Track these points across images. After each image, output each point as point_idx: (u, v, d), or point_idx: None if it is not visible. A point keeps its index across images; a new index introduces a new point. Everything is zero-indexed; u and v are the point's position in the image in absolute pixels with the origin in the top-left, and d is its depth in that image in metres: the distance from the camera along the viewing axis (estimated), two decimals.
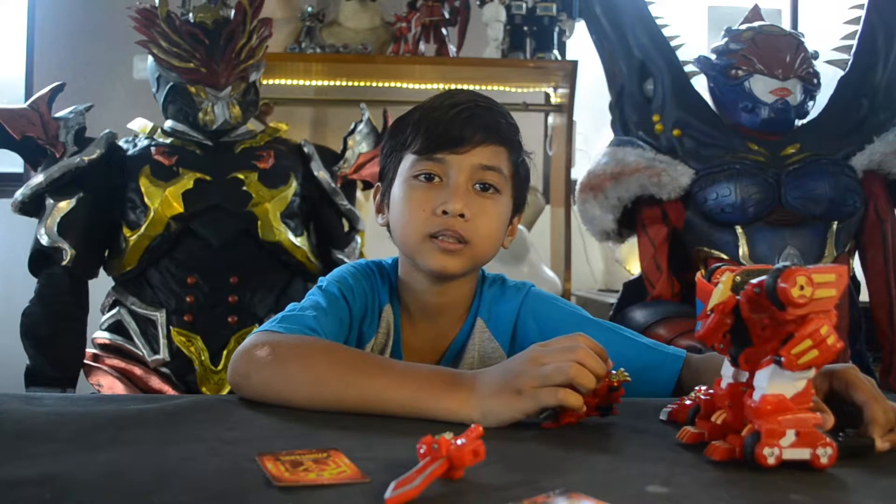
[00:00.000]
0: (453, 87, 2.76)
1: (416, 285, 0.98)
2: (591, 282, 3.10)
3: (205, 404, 0.81)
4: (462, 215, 0.91)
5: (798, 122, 1.97)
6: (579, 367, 0.71)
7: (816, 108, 2.00)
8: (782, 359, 0.60)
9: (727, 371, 0.67)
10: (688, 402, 0.74)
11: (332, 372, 0.80)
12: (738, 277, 0.64)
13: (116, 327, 1.82)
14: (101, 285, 1.89)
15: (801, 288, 0.59)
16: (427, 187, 0.93)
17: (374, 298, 1.01)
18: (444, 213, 0.91)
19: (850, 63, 2.03)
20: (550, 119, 2.96)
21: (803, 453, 0.61)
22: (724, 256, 1.87)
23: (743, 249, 1.85)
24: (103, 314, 1.86)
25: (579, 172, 2.19)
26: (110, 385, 1.74)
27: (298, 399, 0.79)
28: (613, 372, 0.76)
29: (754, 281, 0.62)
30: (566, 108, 2.70)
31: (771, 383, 0.62)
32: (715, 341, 0.65)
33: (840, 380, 0.72)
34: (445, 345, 1.00)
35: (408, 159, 0.95)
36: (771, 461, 0.60)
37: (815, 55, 1.97)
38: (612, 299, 2.27)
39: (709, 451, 0.64)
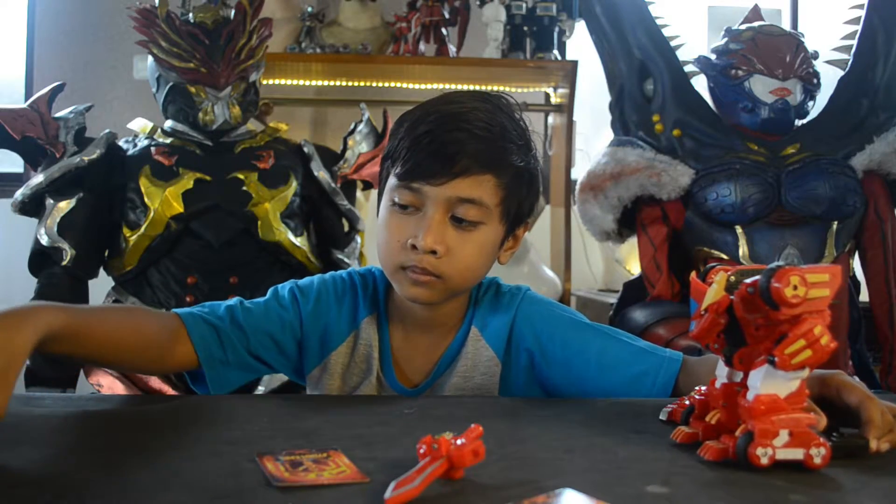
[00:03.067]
0: (453, 87, 2.77)
1: (405, 301, 0.95)
2: (591, 282, 3.10)
3: (205, 404, 0.81)
4: (434, 252, 0.86)
5: (798, 122, 1.97)
6: None
7: (816, 108, 2.00)
8: (776, 359, 0.60)
9: (721, 371, 0.67)
10: (688, 403, 0.74)
11: None
12: (732, 277, 0.64)
13: None
14: (101, 285, 1.89)
15: (795, 288, 0.59)
16: (401, 216, 0.89)
17: (349, 310, 0.99)
18: (415, 247, 0.87)
19: (850, 63, 2.03)
20: (550, 119, 2.96)
21: (796, 453, 0.61)
22: (724, 256, 1.87)
23: (743, 249, 1.85)
24: None
25: (579, 172, 2.19)
26: (110, 385, 1.74)
27: None
28: None
29: (748, 281, 0.62)
30: (566, 108, 2.71)
31: (764, 383, 0.62)
32: (709, 341, 0.65)
33: (830, 385, 0.71)
34: (438, 354, 0.97)
35: (392, 179, 0.91)
36: (764, 461, 0.61)
37: (815, 55, 1.97)
38: (612, 299, 2.27)
39: (702, 450, 0.64)
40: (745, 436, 0.61)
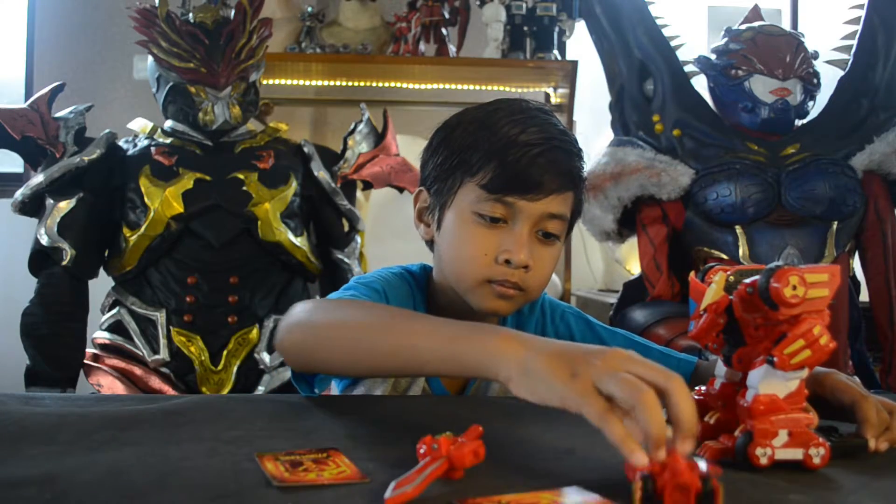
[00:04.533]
0: (453, 87, 2.77)
1: (453, 307, 0.94)
2: (591, 282, 3.10)
3: (205, 404, 0.81)
4: (526, 266, 0.87)
5: (798, 122, 1.97)
6: (655, 404, 0.53)
7: (816, 108, 2.00)
8: (775, 359, 0.61)
9: (720, 371, 0.68)
10: None
11: (365, 326, 0.74)
12: (731, 277, 0.65)
13: (116, 327, 1.82)
14: (101, 285, 1.89)
15: (794, 288, 0.59)
16: (489, 230, 0.88)
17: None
18: (507, 261, 0.86)
19: (850, 63, 2.03)
20: None
21: (796, 453, 0.61)
22: (724, 256, 1.87)
23: (743, 249, 1.85)
24: (103, 314, 1.86)
25: None
26: (110, 385, 1.74)
27: (334, 360, 0.76)
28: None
29: (747, 281, 0.62)
30: (566, 108, 2.71)
31: (763, 383, 0.62)
32: (708, 341, 0.65)
33: (825, 385, 0.72)
34: None
35: (471, 190, 0.88)
36: (763, 461, 0.61)
37: (815, 55, 1.97)
38: (612, 299, 2.27)
39: (702, 450, 0.64)
40: (745, 436, 0.61)
